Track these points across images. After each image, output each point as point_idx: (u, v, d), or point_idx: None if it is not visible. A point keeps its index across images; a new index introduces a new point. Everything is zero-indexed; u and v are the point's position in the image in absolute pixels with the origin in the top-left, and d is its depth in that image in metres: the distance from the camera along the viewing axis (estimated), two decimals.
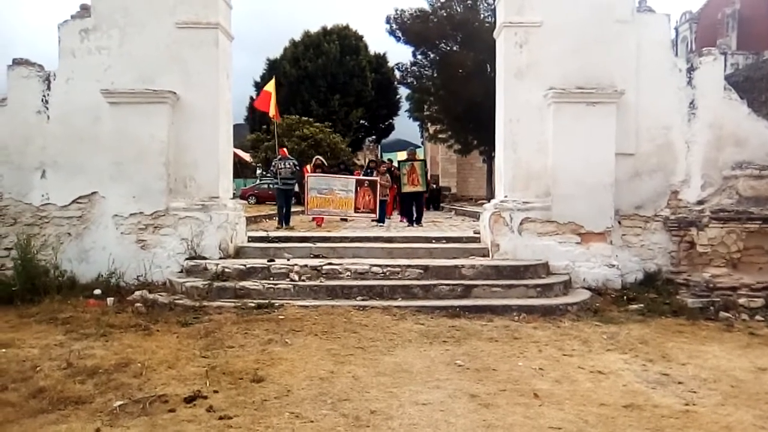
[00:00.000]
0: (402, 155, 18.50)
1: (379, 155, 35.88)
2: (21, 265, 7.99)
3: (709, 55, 9.16)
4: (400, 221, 15.56)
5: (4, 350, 5.67)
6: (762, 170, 8.51)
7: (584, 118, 8.68)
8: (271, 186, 24.44)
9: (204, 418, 4.11)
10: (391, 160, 20.43)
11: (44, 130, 8.92)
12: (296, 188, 15.45)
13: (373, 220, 14.13)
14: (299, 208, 15.95)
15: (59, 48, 8.95)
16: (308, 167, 15.84)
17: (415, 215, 14.99)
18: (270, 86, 17.92)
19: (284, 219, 13.55)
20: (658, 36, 9.09)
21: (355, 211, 13.64)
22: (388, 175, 15.74)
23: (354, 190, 13.52)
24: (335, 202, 13.48)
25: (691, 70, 9.08)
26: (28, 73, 8.96)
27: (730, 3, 45.78)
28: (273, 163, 14.20)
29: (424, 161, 16.39)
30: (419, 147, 34.33)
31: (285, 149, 14.83)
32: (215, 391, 4.59)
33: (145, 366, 5.16)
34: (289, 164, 13.80)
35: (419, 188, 14.84)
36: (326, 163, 17.16)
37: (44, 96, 8.93)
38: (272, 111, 17.68)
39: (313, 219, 14.49)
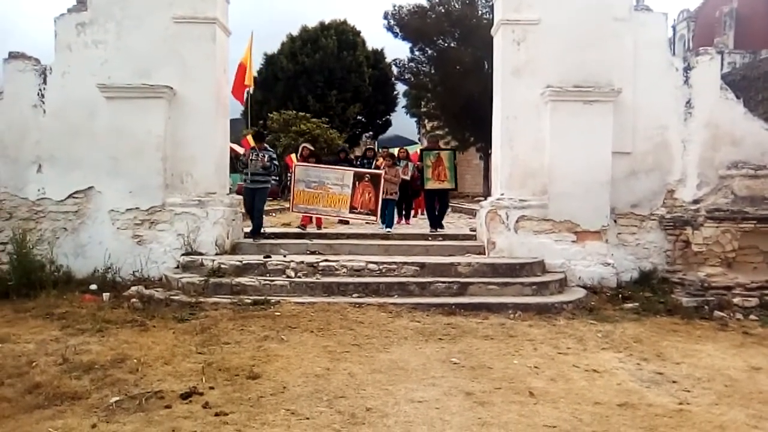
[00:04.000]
0: (411, 150, 15.85)
1: (376, 150, 35.69)
2: (17, 260, 8.00)
3: (705, 55, 9.18)
4: (398, 222, 13.21)
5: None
6: (757, 170, 8.54)
7: (581, 116, 8.69)
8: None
9: (200, 415, 4.11)
10: (387, 148, 17.66)
11: (40, 124, 8.90)
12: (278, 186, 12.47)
13: (373, 223, 11.36)
14: (277, 207, 13.49)
15: (55, 41, 8.94)
16: (293, 156, 13.14)
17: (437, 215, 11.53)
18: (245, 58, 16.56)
19: (253, 225, 10.26)
20: (655, 35, 9.10)
21: (351, 211, 11.19)
22: (397, 168, 12.25)
23: (351, 185, 11.04)
24: (326, 198, 11.05)
25: (687, 69, 9.10)
26: (24, 67, 8.93)
27: (728, 2, 45.76)
28: (244, 153, 11.11)
29: (453, 151, 12.50)
30: (416, 143, 34.20)
31: (252, 138, 11.57)
32: (211, 388, 4.60)
33: (141, 362, 5.15)
34: (263, 157, 9.99)
35: (447, 185, 11.31)
36: (316, 151, 13.95)
37: (40, 90, 8.91)
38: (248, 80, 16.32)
39: (301, 219, 11.87)
